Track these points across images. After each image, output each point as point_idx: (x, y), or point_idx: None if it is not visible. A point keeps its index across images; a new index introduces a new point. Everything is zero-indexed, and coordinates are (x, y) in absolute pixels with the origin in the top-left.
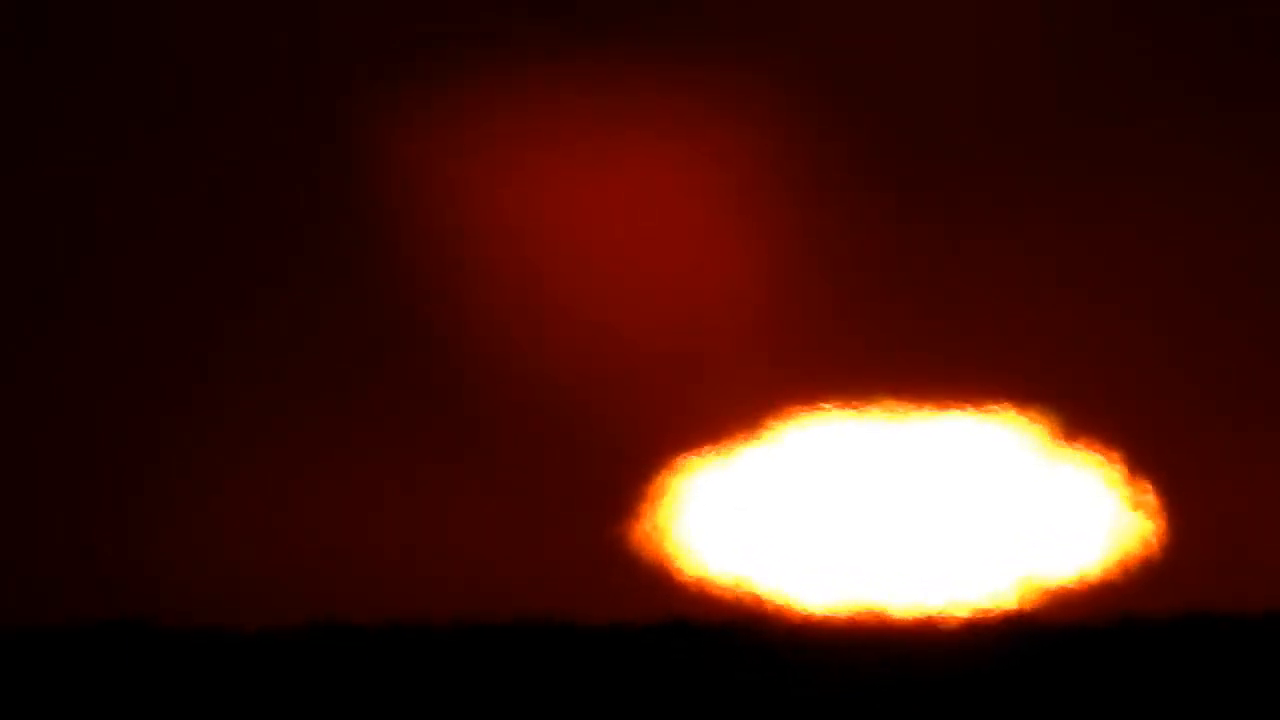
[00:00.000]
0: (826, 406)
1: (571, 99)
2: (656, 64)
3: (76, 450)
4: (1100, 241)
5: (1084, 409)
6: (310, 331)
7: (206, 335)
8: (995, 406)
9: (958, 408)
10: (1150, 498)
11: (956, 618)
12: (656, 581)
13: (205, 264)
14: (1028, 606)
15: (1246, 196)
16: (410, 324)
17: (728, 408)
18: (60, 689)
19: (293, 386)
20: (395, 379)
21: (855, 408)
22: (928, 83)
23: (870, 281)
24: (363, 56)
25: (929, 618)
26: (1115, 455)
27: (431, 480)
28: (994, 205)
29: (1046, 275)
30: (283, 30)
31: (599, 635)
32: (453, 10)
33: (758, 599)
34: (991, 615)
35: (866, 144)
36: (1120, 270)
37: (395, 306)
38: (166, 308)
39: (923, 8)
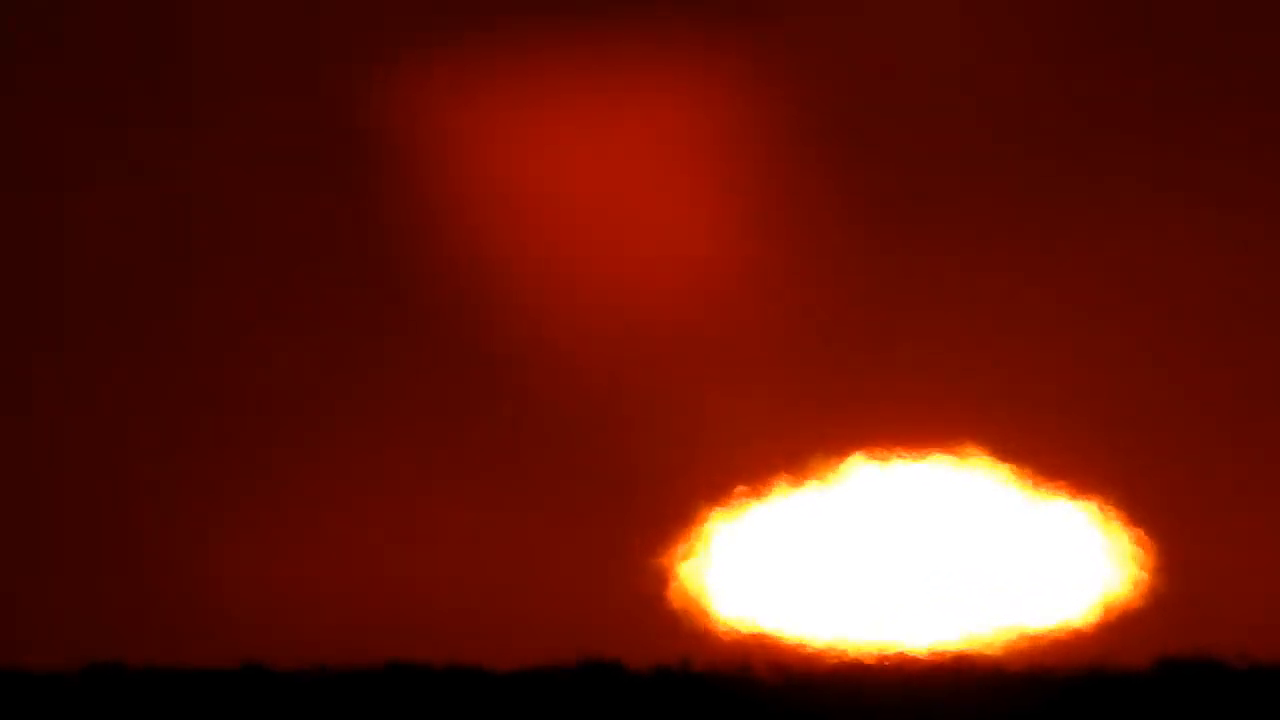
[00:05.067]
0: (817, 441)
1: (581, 97)
2: (668, 63)
3: (83, 474)
4: (1098, 265)
5: (1073, 452)
6: (326, 350)
7: (217, 345)
8: (982, 448)
9: (942, 449)
10: (1138, 544)
11: (943, 663)
12: (661, 626)
13: (211, 268)
14: (1029, 655)
15: (1237, 230)
16: (423, 337)
17: (725, 442)
18: None
19: (314, 417)
20: (416, 408)
21: (843, 450)
22: (924, 86)
23: (869, 310)
24: (366, 48)
25: (919, 663)
26: (1099, 500)
27: (449, 519)
28: (994, 222)
29: (1040, 302)
30: (286, 24)
31: (610, 677)
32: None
33: (751, 643)
34: (985, 663)
35: (862, 153)
36: (1106, 309)
37: (408, 320)
38: (174, 314)
39: (916, 10)
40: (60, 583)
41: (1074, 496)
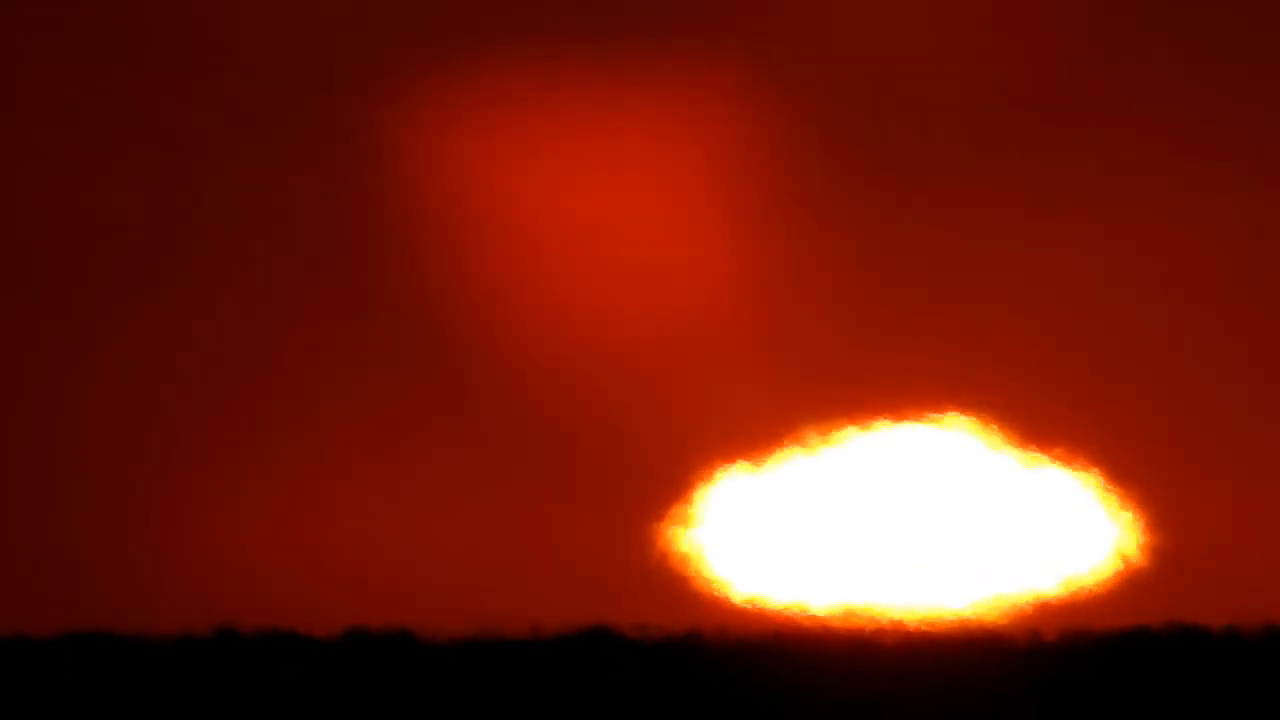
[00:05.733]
0: (814, 418)
1: (581, 103)
2: (664, 67)
3: (79, 456)
4: (1084, 245)
5: (1067, 422)
6: (328, 338)
7: (214, 338)
8: (976, 418)
9: (936, 419)
10: (1133, 510)
11: (939, 628)
12: (657, 595)
13: (208, 264)
14: (1025, 622)
15: (1235, 200)
16: (422, 331)
17: (723, 417)
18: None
19: (314, 393)
20: (410, 389)
21: (841, 420)
22: (920, 85)
23: (863, 288)
24: (368, 58)
25: (913, 630)
26: (1095, 466)
27: (443, 488)
28: (985, 207)
29: (1032, 281)
30: (295, 39)
31: (623, 644)
32: (452, 8)
33: (748, 612)
34: (981, 630)
35: (860, 146)
36: (1104, 278)
37: (408, 314)
38: (174, 308)
39: (912, 9)
40: (40, 551)
41: (1067, 465)
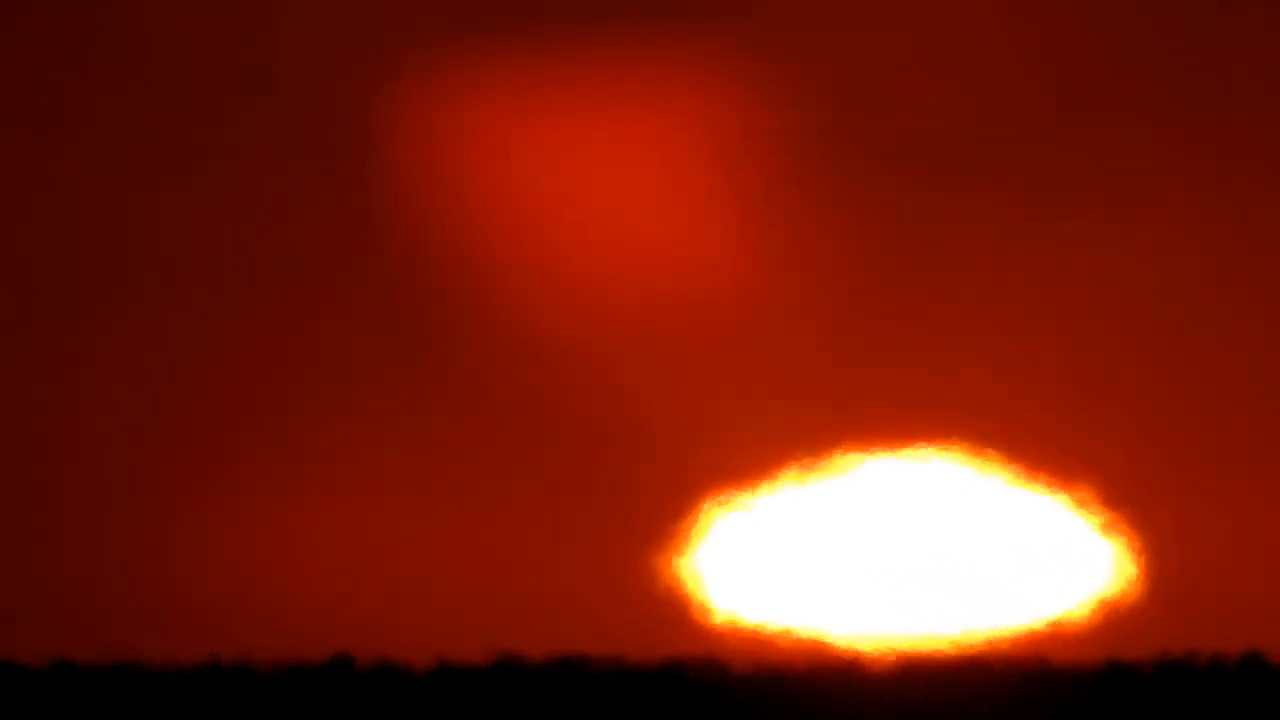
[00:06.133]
0: (807, 438)
1: (582, 94)
2: (665, 58)
3: (75, 462)
4: (1086, 246)
5: (1067, 449)
6: (328, 337)
7: (213, 338)
8: (976, 445)
9: (936, 446)
10: (1131, 539)
11: (925, 658)
12: (656, 623)
13: (210, 265)
14: (1022, 650)
15: (1244, 201)
16: (421, 332)
17: (717, 435)
18: None
19: (313, 392)
20: (408, 390)
21: (834, 439)
22: (921, 85)
23: (863, 289)
24: (367, 54)
25: (901, 659)
26: (1084, 492)
27: (435, 503)
28: (987, 207)
29: (1031, 282)
30: (287, 28)
31: (614, 673)
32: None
33: (749, 639)
34: (978, 658)
35: (861, 146)
36: (1105, 278)
37: (408, 313)
38: (171, 309)
39: (914, 7)
40: (31, 577)
41: (1068, 492)
